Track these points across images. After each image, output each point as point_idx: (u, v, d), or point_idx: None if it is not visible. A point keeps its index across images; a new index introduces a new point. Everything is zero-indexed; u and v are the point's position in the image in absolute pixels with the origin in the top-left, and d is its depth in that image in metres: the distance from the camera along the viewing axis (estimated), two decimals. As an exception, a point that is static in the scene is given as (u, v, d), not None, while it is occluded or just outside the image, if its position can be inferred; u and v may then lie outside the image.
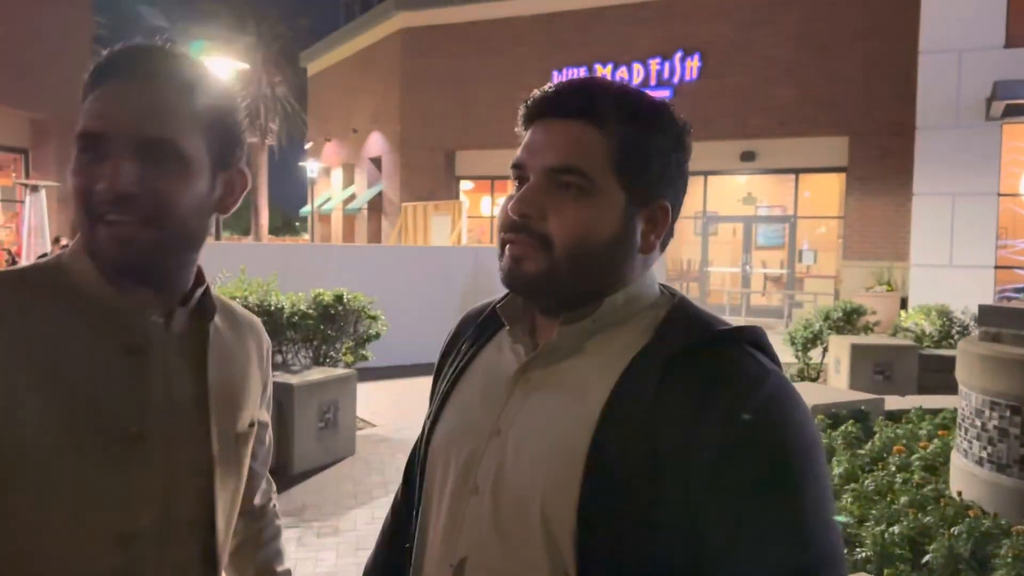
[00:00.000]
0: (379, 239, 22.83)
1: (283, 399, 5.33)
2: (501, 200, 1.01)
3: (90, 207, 0.92)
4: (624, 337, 0.92)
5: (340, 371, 5.98)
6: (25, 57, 14.82)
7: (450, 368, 1.08)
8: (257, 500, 1.28)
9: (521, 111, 0.96)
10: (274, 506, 1.34)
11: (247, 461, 1.12)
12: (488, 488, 0.92)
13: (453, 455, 0.98)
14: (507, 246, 0.93)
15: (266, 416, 1.22)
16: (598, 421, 0.85)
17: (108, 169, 0.91)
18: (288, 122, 33.11)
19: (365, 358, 6.96)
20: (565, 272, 0.90)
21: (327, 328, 6.59)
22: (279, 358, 6.16)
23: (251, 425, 1.12)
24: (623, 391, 0.86)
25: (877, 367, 7.81)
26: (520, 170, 0.94)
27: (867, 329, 9.00)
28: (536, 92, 0.96)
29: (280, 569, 1.30)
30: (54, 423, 0.90)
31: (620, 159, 0.90)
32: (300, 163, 30.00)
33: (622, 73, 17.69)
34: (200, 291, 1.06)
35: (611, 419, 0.84)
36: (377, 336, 7.05)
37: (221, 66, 10.97)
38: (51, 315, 0.96)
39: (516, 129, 0.97)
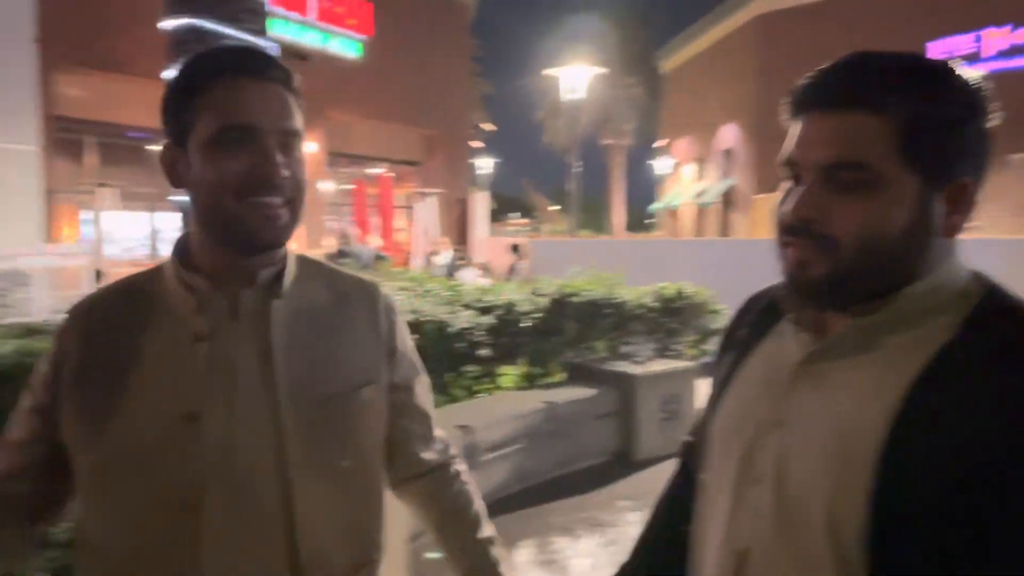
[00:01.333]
0: (730, 233, 22.40)
1: (626, 388, 5.58)
2: None
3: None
4: (925, 330, 0.84)
5: (682, 363, 6.07)
6: (417, 81, 17.22)
7: (731, 352, 1.06)
8: (426, 455, 1.28)
9: (787, 100, 0.90)
10: (456, 470, 1.32)
11: (364, 420, 1.14)
12: (771, 480, 0.89)
13: (734, 441, 0.96)
14: (787, 249, 0.88)
15: (401, 376, 1.23)
16: (895, 421, 0.79)
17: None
18: (642, 121, 33.96)
19: (707, 352, 6.97)
20: (853, 273, 0.84)
21: (669, 321, 6.72)
22: (624, 349, 6.44)
23: (361, 385, 1.14)
24: (926, 390, 0.79)
25: None
26: (793, 167, 0.88)
27: None
28: (802, 80, 0.89)
29: (481, 535, 1.28)
30: (129, 408, 1.03)
31: (906, 143, 0.82)
32: (650, 160, 30.55)
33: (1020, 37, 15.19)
34: (270, 270, 1.11)
35: (912, 420, 0.78)
36: (719, 331, 7.00)
37: (578, 74, 11.66)
38: (150, 317, 1.08)
39: (783, 119, 0.90)
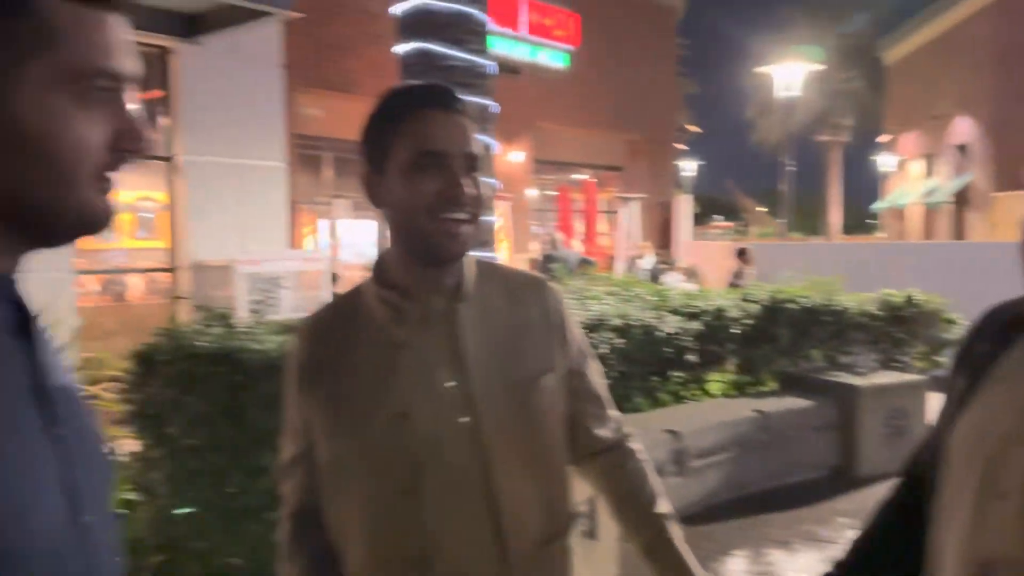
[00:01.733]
0: (964, 236, 20.37)
1: (847, 400, 5.30)
2: None
3: None
4: None
5: (910, 376, 5.66)
6: (621, 86, 17.26)
7: (969, 367, 1.03)
8: (602, 434, 1.37)
9: None
10: (631, 447, 1.39)
11: (546, 405, 1.25)
12: (1017, 495, 0.87)
13: (975, 456, 0.94)
14: None
15: (574, 362, 1.33)
16: None
17: None
18: (862, 116, 31.71)
19: (939, 365, 6.42)
20: None
21: (896, 331, 6.28)
22: (844, 359, 6.11)
23: (540, 373, 1.25)
24: None
25: None
26: None
27: None
28: None
29: (657, 510, 1.34)
30: (352, 409, 1.20)
31: None
32: (872, 157, 28.46)
33: None
34: (453, 279, 1.24)
35: None
36: (953, 342, 6.43)
37: (792, 71, 11.17)
38: (358, 329, 1.25)
39: None
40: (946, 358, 6.50)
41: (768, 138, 33.11)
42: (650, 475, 1.39)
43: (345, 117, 12.50)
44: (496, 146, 5.64)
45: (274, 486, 2.85)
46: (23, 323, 0.74)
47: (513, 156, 14.34)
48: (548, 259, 10.52)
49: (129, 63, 0.74)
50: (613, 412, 1.41)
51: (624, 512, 1.37)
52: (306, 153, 12.29)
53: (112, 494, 0.83)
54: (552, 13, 14.95)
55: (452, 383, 1.19)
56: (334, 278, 9.37)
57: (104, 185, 0.74)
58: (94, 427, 0.81)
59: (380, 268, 1.27)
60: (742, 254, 10.87)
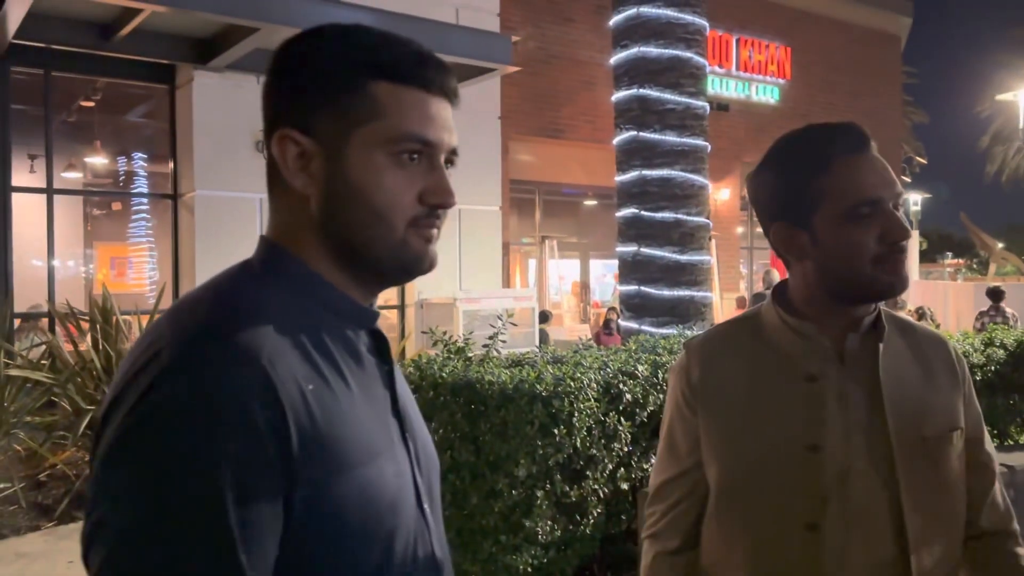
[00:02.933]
0: None
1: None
2: None
3: None
4: None
5: None
6: (836, 118, 16.44)
7: None
8: (982, 521, 1.26)
9: None
10: (1014, 537, 1.27)
11: (949, 461, 1.20)
12: None
13: None
14: None
15: (970, 425, 1.25)
16: None
17: None
18: None
19: None
20: None
21: None
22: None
23: (950, 431, 1.20)
24: None
25: None
26: None
27: None
28: None
29: None
30: (755, 435, 1.19)
31: None
32: None
33: None
34: (870, 316, 1.22)
35: None
36: None
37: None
38: (757, 357, 1.24)
39: None
40: None
41: (1006, 168, 30.02)
42: None
43: (554, 161, 13.04)
44: (708, 184, 5.68)
45: (507, 509, 3.06)
46: (381, 349, 0.96)
47: (721, 194, 14.13)
48: (759, 297, 10.24)
49: (435, 132, 0.88)
50: (1000, 490, 1.30)
51: None
52: (518, 197, 12.89)
53: (438, 489, 1.02)
54: (763, 48, 14.69)
55: (867, 421, 1.17)
56: (544, 316, 9.73)
57: (423, 233, 0.89)
58: (425, 432, 1.01)
59: (783, 298, 1.27)
60: (996, 296, 9.63)
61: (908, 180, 27.66)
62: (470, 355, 3.66)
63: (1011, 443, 5.22)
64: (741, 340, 1.29)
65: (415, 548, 0.88)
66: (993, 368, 5.12)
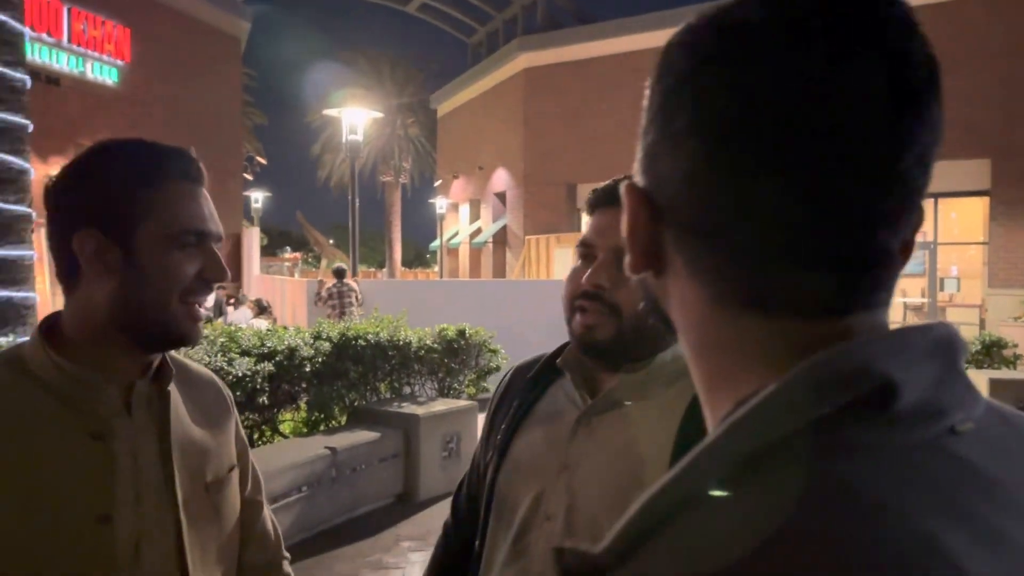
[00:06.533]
0: (504, 272, 23.38)
1: (410, 429, 5.71)
2: None
3: None
4: (680, 382, 1.07)
5: (462, 403, 6.31)
6: (185, 111, 16.37)
7: (507, 416, 1.24)
8: (263, 526, 1.29)
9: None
10: (277, 534, 1.33)
11: (229, 503, 1.17)
12: (561, 514, 1.08)
13: (523, 490, 1.13)
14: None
15: (242, 452, 1.25)
16: (672, 454, 1.00)
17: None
18: (419, 161, 34.59)
19: (486, 390, 7.29)
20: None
21: (451, 361, 6.97)
22: (407, 390, 6.57)
23: (229, 471, 1.18)
24: (688, 428, 1.02)
25: (1020, 404, 7.37)
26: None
27: (1009, 363, 8.50)
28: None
29: None
30: (22, 513, 0.96)
31: None
32: (430, 200, 31.15)
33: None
34: (158, 358, 1.11)
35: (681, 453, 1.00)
36: (497, 369, 7.37)
37: (358, 115, 11.73)
38: (13, 407, 1.01)
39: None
40: (490, 384, 7.41)
41: (334, 174, 34.24)
42: (285, 567, 1.34)
43: None
44: (31, 169, 4.95)
45: None
46: None
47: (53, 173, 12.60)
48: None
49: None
50: (272, 519, 1.33)
51: None
52: None
53: None
54: (100, 25, 13.59)
55: (158, 479, 1.08)
56: None
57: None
58: None
59: (54, 334, 1.08)
60: (341, 274, 10.41)
61: (250, 178, 29.15)
62: None
63: (336, 424, 5.88)
64: (5, 390, 1.03)
65: None
66: (320, 359, 5.68)
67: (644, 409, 1.10)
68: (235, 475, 1.20)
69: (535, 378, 1.25)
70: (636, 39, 19.35)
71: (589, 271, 1.10)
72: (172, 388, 1.11)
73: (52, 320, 1.08)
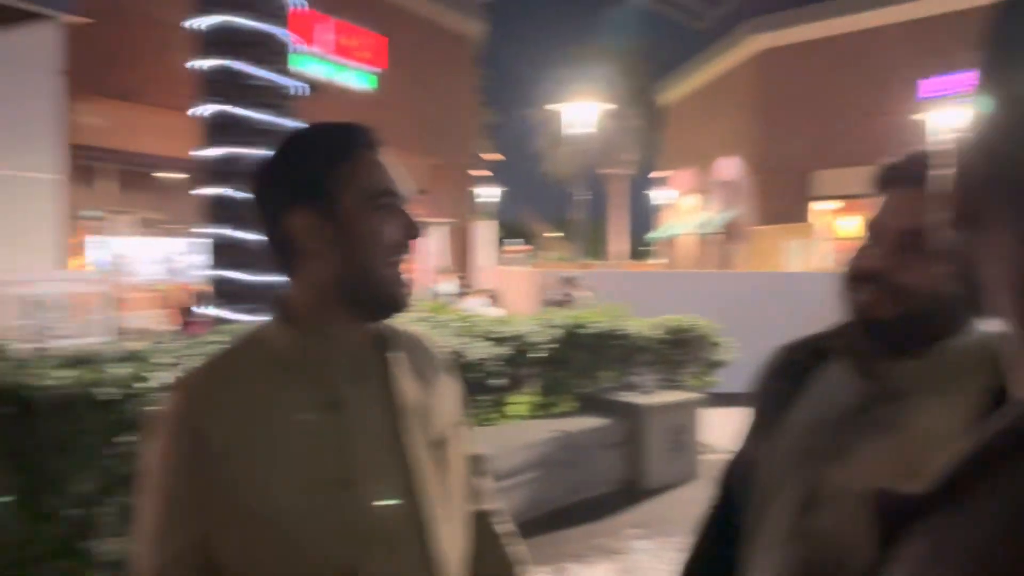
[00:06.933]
0: (729, 264, 22.64)
1: (635, 418, 5.75)
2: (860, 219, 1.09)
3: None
4: (972, 376, 0.97)
5: (687, 395, 6.24)
6: (426, 113, 17.54)
7: (775, 399, 1.21)
8: (484, 482, 1.35)
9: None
10: (497, 507, 1.37)
11: (456, 457, 1.22)
12: (835, 499, 1.03)
13: (791, 477, 1.10)
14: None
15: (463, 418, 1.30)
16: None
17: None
18: (644, 152, 34.35)
19: (712, 383, 7.13)
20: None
21: (675, 353, 6.90)
22: (631, 379, 6.61)
23: (453, 425, 1.23)
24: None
25: None
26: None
27: None
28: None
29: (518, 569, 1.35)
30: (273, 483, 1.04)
31: None
32: (650, 191, 30.87)
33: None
34: (378, 327, 1.18)
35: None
36: (722, 363, 7.18)
37: (582, 110, 11.91)
38: (259, 384, 1.08)
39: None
40: (715, 377, 7.23)
41: (559, 169, 34.96)
42: (513, 539, 1.39)
43: (131, 128, 11.69)
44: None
45: (61, 533, 2.65)
46: None
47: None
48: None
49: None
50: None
51: None
52: (85, 165, 11.33)
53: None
54: (358, 34, 14.92)
55: (392, 444, 1.14)
56: (116, 301, 8.68)
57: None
58: None
59: (288, 312, 1.15)
60: (570, 283, 10.85)
61: (486, 174, 30.56)
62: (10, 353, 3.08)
63: (563, 410, 6.06)
64: (248, 368, 1.11)
65: None
66: (552, 346, 5.87)
67: (925, 399, 1.04)
68: (460, 431, 1.25)
69: (804, 360, 1.21)
70: (882, 14, 17.87)
71: (873, 254, 1.07)
72: (393, 354, 1.18)
73: (283, 300, 1.15)
